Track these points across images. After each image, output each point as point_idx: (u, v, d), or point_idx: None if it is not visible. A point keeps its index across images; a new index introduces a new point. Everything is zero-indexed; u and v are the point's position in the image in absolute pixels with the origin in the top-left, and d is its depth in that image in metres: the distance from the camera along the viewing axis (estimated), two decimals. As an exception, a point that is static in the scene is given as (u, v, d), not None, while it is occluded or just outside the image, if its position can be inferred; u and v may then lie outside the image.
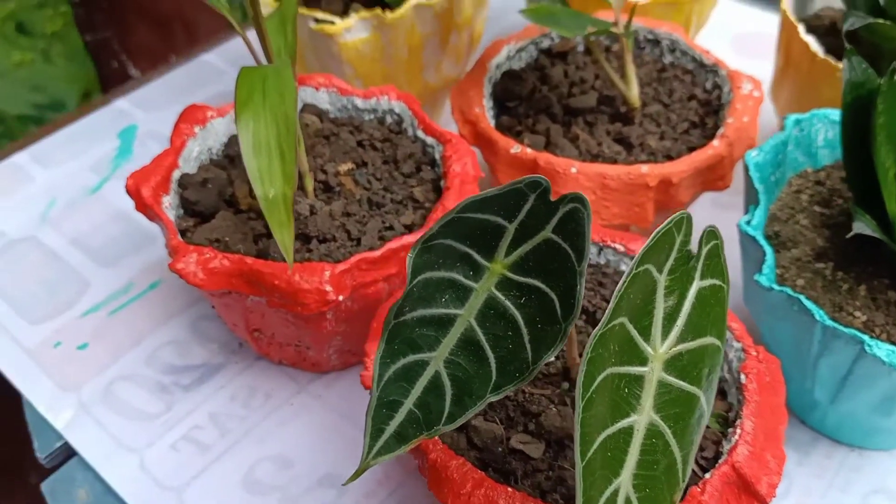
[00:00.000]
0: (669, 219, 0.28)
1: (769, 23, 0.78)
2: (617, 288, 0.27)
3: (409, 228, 0.46)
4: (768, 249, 0.41)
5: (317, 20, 0.54)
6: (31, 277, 0.56)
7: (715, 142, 0.50)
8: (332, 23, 0.54)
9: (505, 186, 0.27)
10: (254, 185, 0.35)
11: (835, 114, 0.48)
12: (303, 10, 0.54)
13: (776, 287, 0.40)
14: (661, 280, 0.28)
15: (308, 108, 0.52)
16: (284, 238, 0.35)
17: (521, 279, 0.29)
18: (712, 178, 0.50)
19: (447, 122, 0.66)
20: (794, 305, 0.39)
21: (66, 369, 0.50)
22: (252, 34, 0.40)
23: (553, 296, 0.28)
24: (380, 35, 0.55)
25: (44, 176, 0.63)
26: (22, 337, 0.52)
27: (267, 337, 0.47)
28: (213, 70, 0.74)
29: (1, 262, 0.57)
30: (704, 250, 0.29)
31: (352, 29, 0.54)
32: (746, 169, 0.44)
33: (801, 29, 0.53)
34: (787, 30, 0.55)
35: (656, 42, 0.58)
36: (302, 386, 0.50)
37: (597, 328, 0.26)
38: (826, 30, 0.59)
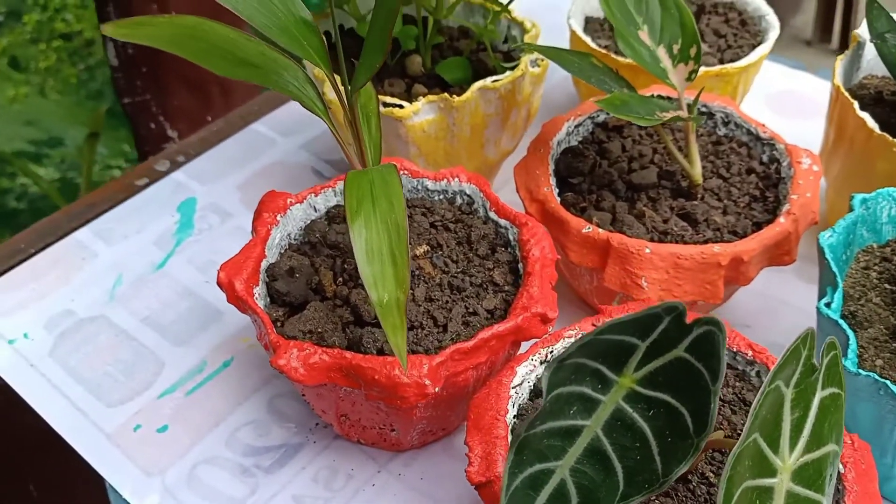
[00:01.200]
0: (798, 336, 0.29)
1: (801, 81, 0.80)
2: (752, 406, 0.28)
3: (492, 313, 0.47)
4: (851, 335, 0.42)
5: (385, 104, 0.56)
6: (105, 358, 0.57)
7: (781, 218, 0.51)
8: (401, 106, 0.55)
9: (642, 312, 0.29)
10: (368, 290, 0.36)
11: (899, 192, 0.49)
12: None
13: (863, 373, 0.41)
14: (788, 394, 0.30)
15: (380, 190, 0.53)
16: (398, 341, 0.36)
17: (651, 393, 0.30)
18: (779, 253, 0.51)
19: (498, 188, 0.68)
20: (881, 390, 0.41)
21: (148, 453, 0.51)
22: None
23: (684, 411, 0.29)
24: (445, 116, 0.56)
25: (107, 252, 0.64)
26: (101, 421, 0.53)
27: (352, 420, 0.48)
28: (264, 139, 0.75)
29: (72, 343, 0.58)
30: (825, 361, 0.31)
31: (419, 112, 0.55)
32: (821, 251, 0.46)
33: (856, 105, 0.54)
34: (840, 105, 0.56)
35: (710, 115, 0.60)
36: (382, 465, 0.50)
37: (735, 447, 0.28)
38: (872, 98, 0.61)
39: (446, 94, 0.55)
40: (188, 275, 0.62)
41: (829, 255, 0.45)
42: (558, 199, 0.55)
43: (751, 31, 0.68)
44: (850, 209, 0.48)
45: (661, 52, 0.52)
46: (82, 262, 0.64)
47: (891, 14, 0.58)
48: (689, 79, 0.52)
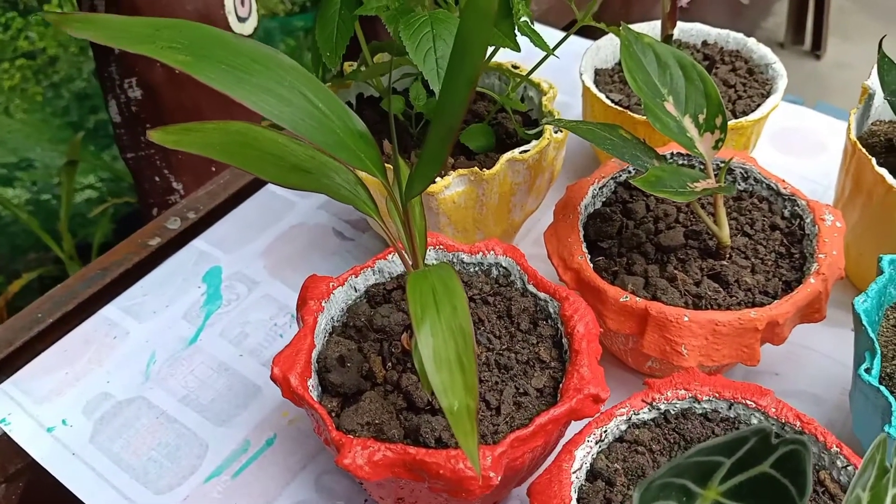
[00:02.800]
0: (873, 443, 0.30)
1: (801, 117, 0.82)
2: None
3: (541, 392, 0.48)
4: (892, 401, 0.44)
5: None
6: (148, 442, 0.57)
7: (812, 279, 0.52)
8: (433, 181, 0.56)
9: (731, 435, 0.30)
10: (438, 397, 0.37)
11: (924, 250, 0.51)
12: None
13: (909, 441, 0.42)
14: (864, 497, 0.31)
15: (417, 266, 0.54)
16: (470, 446, 0.37)
17: (735, 504, 0.31)
18: (810, 311, 0.53)
19: (518, 240, 0.69)
20: (927, 456, 0.42)
21: (202, 541, 0.52)
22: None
23: (770, 521, 0.31)
24: (475, 188, 0.57)
25: (138, 330, 0.64)
26: (151, 508, 0.53)
27: (409, 502, 0.49)
28: (283, 202, 0.75)
29: (112, 428, 0.58)
30: (895, 461, 0.32)
31: (450, 185, 0.56)
32: (857, 317, 0.47)
33: (874, 162, 0.56)
34: (857, 160, 0.58)
35: (730, 170, 0.61)
36: (435, 540, 0.51)
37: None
38: (884, 147, 0.63)
39: (476, 167, 0.56)
40: (222, 349, 0.63)
41: (865, 321, 0.47)
42: (591, 266, 0.56)
43: (759, 79, 0.70)
44: (880, 271, 0.50)
45: (688, 122, 0.53)
46: (114, 342, 0.64)
47: (899, 66, 0.60)
48: (715, 147, 0.53)
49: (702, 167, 0.60)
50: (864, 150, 0.57)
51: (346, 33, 0.51)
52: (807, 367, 0.60)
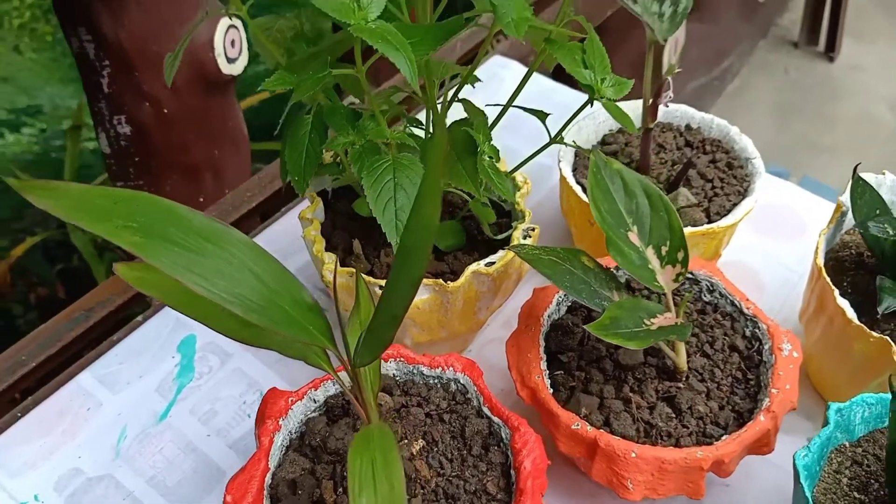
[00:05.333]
0: None
1: (784, 193, 0.82)
2: None
3: (486, 526, 0.49)
4: (821, 567, 0.45)
5: (381, 288, 0.57)
6: (114, 525, 0.59)
7: (761, 416, 0.53)
8: (397, 290, 0.57)
9: None
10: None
11: (872, 398, 0.52)
12: (366, 278, 0.57)
13: None
14: None
15: (378, 378, 0.55)
16: None
17: None
18: (758, 446, 0.54)
19: (490, 322, 0.70)
20: None
21: None
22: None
23: None
24: (440, 297, 0.58)
25: (112, 402, 0.66)
26: None
27: None
28: (260, 264, 0.76)
29: (82, 506, 0.60)
30: None
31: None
32: (797, 472, 0.49)
33: (836, 293, 0.57)
34: (821, 286, 0.58)
35: (696, 281, 0.62)
36: None
37: None
38: (854, 262, 0.63)
39: (440, 280, 0.57)
40: (191, 427, 0.64)
41: (803, 477, 0.48)
42: (548, 381, 0.57)
43: (737, 175, 0.70)
44: (825, 421, 0.51)
45: (650, 253, 0.54)
46: (87, 414, 0.65)
47: (876, 191, 0.60)
48: (676, 280, 0.54)
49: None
50: (827, 278, 0.58)
51: (315, 160, 0.51)
52: (759, 478, 0.62)
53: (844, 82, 2.26)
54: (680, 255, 0.53)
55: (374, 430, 0.42)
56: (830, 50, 2.31)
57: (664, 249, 0.54)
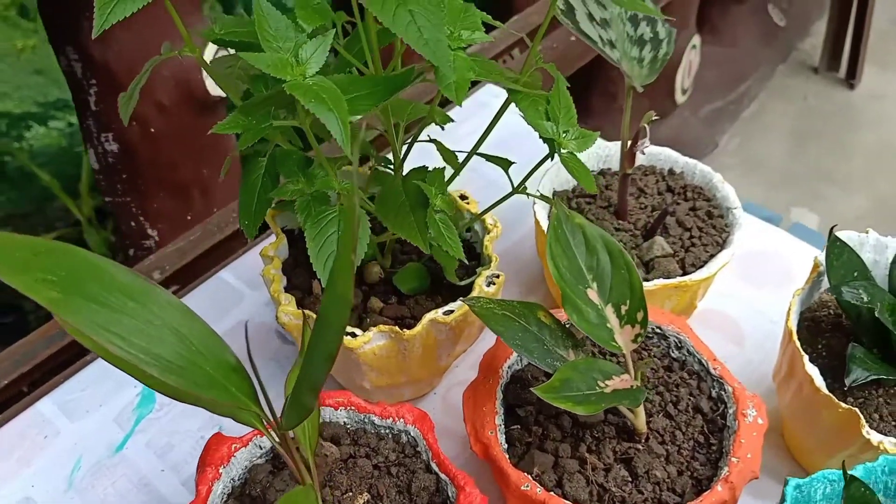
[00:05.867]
0: None
1: (772, 240, 0.79)
2: None
3: (423, 589, 0.48)
4: None
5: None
6: (59, 560, 0.58)
7: (719, 486, 0.52)
8: (353, 335, 0.56)
9: None
10: None
11: (835, 474, 0.50)
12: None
13: None
14: None
15: (327, 426, 0.54)
16: None
17: None
18: (714, 517, 0.52)
19: (459, 363, 0.68)
20: None
21: None
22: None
23: None
24: (396, 343, 0.57)
25: (69, 430, 0.65)
26: None
27: None
28: (232, 292, 0.75)
29: (30, 537, 0.59)
30: None
31: (370, 341, 0.56)
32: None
33: (806, 360, 0.55)
34: (792, 350, 0.56)
35: (664, 336, 0.60)
36: None
37: None
38: (830, 323, 0.61)
39: (395, 327, 0.55)
40: (146, 461, 0.64)
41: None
42: (503, 437, 0.55)
43: (716, 225, 0.68)
44: (782, 497, 0.49)
45: (609, 311, 0.52)
46: (44, 441, 0.65)
47: (855, 252, 0.58)
48: (634, 341, 0.52)
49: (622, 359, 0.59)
50: (798, 343, 0.56)
51: (266, 204, 0.50)
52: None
53: (864, 111, 2.22)
54: (639, 316, 0.52)
55: (300, 495, 0.41)
56: (851, 77, 2.27)
57: (624, 308, 0.52)
